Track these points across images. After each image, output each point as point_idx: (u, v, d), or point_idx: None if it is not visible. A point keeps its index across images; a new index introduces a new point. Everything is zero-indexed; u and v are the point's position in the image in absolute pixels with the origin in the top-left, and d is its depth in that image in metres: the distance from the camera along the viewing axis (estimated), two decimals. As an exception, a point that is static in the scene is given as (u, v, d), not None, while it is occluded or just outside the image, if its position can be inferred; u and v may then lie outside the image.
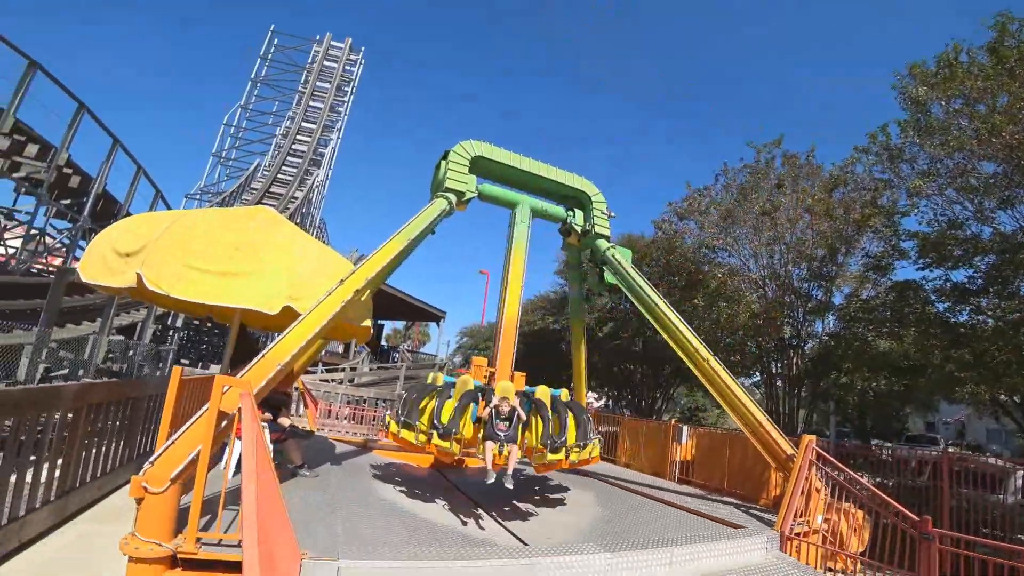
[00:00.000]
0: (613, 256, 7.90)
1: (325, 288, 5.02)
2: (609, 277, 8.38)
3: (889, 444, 17.40)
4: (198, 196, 28.87)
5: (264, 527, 2.69)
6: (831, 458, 5.81)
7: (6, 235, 13.60)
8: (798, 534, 5.33)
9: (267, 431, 5.47)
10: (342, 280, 5.09)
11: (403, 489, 6.51)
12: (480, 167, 8.04)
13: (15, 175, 12.60)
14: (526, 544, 4.74)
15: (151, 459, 3.49)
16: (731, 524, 5.59)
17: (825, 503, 5.75)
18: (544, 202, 8.46)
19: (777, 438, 6.33)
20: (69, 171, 13.44)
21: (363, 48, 37.52)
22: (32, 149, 12.34)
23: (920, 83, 12.50)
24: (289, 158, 31.78)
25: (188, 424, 3.61)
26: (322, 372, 25.21)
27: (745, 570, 4.50)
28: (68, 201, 13.86)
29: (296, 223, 26.90)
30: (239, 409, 3.48)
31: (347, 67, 36.32)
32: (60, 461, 5.34)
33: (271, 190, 29.09)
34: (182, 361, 11.90)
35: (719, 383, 6.74)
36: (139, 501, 3.40)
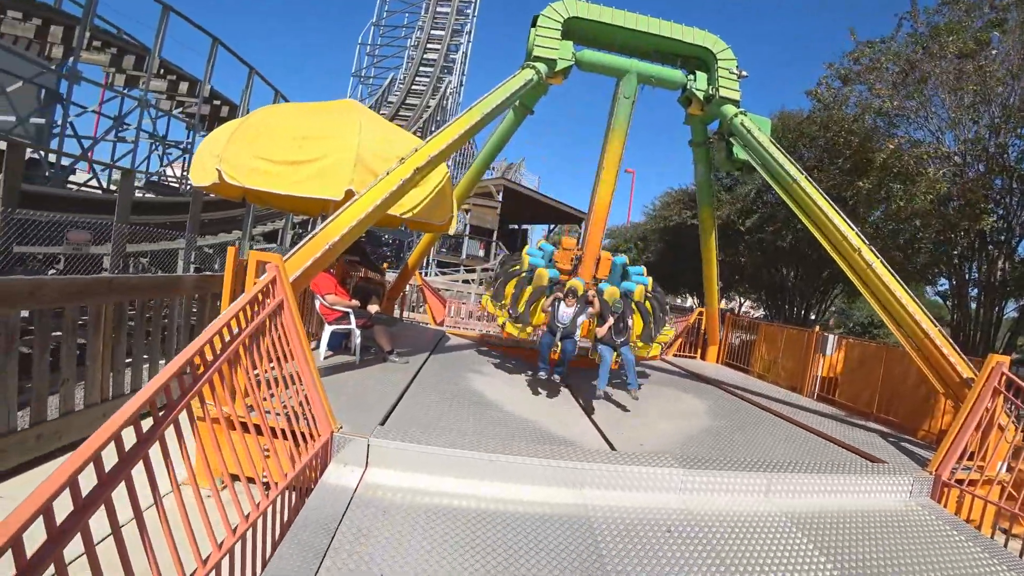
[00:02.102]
0: (741, 124, 6.40)
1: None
2: (739, 152, 6.90)
3: None
4: (343, 115, 30.69)
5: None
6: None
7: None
8: (961, 481, 3.96)
9: (352, 317, 5.57)
10: (403, 159, 4.69)
11: (498, 382, 6.34)
12: (579, 31, 6.87)
13: (176, 112, 14.29)
14: (614, 449, 4.26)
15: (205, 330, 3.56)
16: (867, 456, 4.43)
17: (1011, 446, 4.21)
18: (659, 67, 7.07)
19: (950, 355, 4.78)
20: (218, 102, 14.85)
21: (486, -61, 35.25)
22: (183, 87, 13.79)
23: None
24: (421, 68, 32.04)
25: (238, 302, 3.59)
26: (463, 272, 26.49)
27: (874, 516, 3.40)
28: (223, 128, 15.45)
29: (431, 131, 27.61)
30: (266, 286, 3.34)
31: (471, -37, 34.55)
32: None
33: (406, 101, 29.79)
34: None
35: (873, 281, 5.24)
36: (197, 369, 3.53)
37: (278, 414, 3.15)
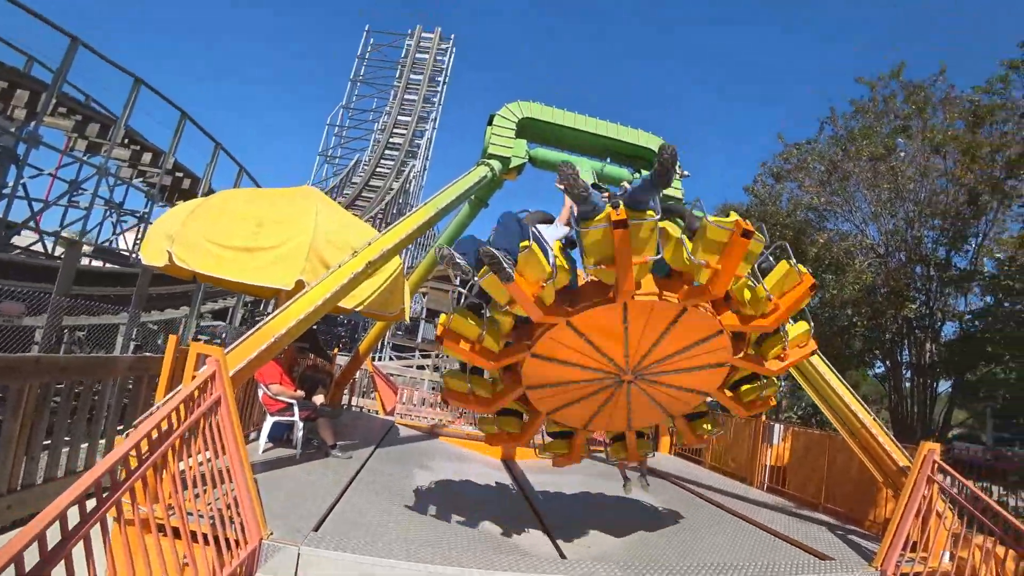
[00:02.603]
0: (683, 221, 6.86)
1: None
2: None
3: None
4: (307, 192, 31.11)
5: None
6: (956, 474, 4.33)
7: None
8: (906, 574, 3.98)
9: (296, 408, 5.38)
10: (355, 251, 4.77)
11: (445, 479, 6.15)
12: (532, 131, 7.38)
13: (136, 181, 14.23)
14: (563, 555, 4.17)
15: (135, 423, 3.39)
16: (815, 552, 4.44)
17: (950, 533, 4.27)
18: (607, 164, 7.61)
19: (886, 444, 5.01)
20: (180, 174, 14.92)
21: (453, 35, 38.05)
22: (147, 157, 13.86)
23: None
24: (387, 151, 33.12)
25: (172, 394, 3.46)
26: (418, 357, 26.01)
27: (822, 616, 3.35)
28: (183, 202, 15.39)
29: (393, 213, 28.13)
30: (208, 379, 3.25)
31: (438, 57, 37.10)
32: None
33: (370, 183, 30.49)
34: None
35: (809, 370, 5.54)
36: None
37: (201, 516, 2.96)
